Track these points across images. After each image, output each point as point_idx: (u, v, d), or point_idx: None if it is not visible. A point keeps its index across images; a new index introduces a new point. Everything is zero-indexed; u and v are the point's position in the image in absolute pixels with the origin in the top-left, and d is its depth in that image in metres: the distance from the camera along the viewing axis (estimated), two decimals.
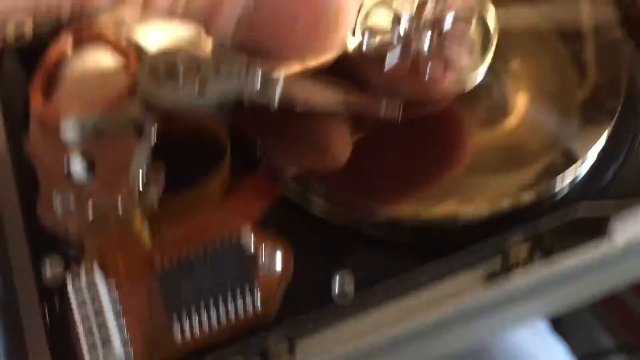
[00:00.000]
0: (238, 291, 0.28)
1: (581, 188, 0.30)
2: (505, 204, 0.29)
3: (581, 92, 0.32)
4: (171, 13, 0.27)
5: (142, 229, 0.28)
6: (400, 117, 0.30)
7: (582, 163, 0.30)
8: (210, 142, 0.31)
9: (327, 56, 0.27)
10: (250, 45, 0.27)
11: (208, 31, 0.27)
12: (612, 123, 0.31)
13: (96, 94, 0.33)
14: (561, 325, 0.49)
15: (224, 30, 0.26)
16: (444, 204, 0.29)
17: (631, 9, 0.35)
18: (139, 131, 0.31)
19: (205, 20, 0.27)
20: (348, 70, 0.31)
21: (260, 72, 0.29)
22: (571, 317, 0.50)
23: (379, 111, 0.30)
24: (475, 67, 0.31)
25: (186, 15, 0.27)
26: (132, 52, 0.33)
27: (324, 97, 0.29)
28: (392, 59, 0.30)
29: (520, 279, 0.28)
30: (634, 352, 0.52)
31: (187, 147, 0.32)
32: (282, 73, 0.30)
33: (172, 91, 0.30)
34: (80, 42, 0.34)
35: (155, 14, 0.27)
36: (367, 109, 0.30)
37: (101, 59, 0.34)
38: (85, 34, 0.34)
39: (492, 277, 0.31)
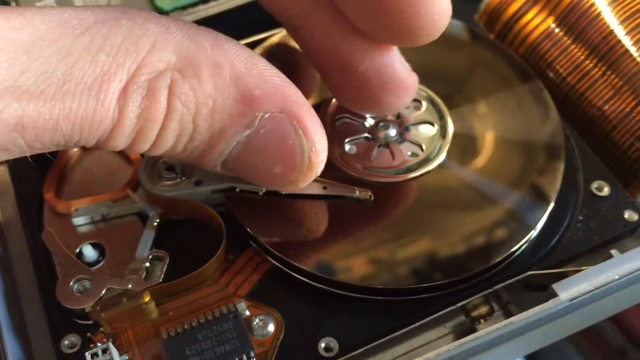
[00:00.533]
0: (236, 356, 0.32)
1: (529, 253, 0.35)
2: (466, 268, 0.34)
3: (528, 171, 0.37)
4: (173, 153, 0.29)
5: (150, 304, 0.32)
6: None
7: (531, 233, 0.35)
8: (208, 227, 0.35)
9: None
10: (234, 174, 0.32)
11: (199, 164, 0.30)
12: (554, 199, 0.36)
13: (104, 187, 0.37)
14: (539, 356, 0.52)
15: (213, 165, 0.30)
16: (413, 270, 0.34)
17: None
18: (143, 219, 0.36)
19: (199, 156, 0.29)
20: None
21: None
22: (551, 351, 0.52)
23: (354, 195, 0.35)
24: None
25: (184, 154, 0.29)
26: None
27: (307, 186, 0.34)
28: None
29: (483, 333, 0.32)
30: None
31: (188, 232, 0.36)
32: None
33: (171, 184, 0.35)
34: None
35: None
36: (343, 193, 0.35)
37: (107, 155, 0.39)
38: None
39: (458, 331, 0.36)
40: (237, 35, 0.30)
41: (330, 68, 0.33)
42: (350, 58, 0.32)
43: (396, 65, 0.32)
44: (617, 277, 0.32)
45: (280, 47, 0.40)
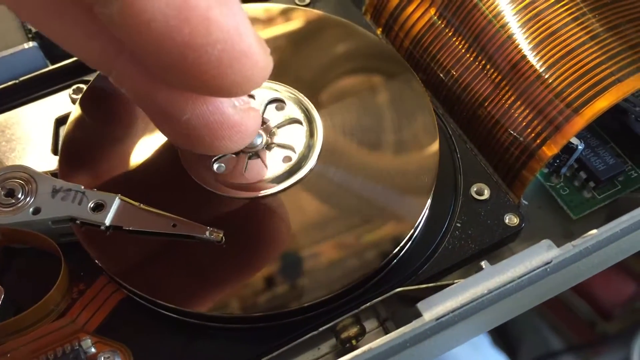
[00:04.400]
0: None
1: (399, 267, 0.32)
2: (333, 287, 0.31)
3: (402, 175, 0.34)
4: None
5: None
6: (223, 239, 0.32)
7: (403, 244, 0.32)
8: (48, 257, 0.32)
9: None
10: None
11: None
12: (428, 205, 0.33)
13: None
14: (509, 331, 0.51)
15: None
16: (273, 295, 0.31)
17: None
18: None
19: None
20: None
21: (93, 199, 0.32)
22: (518, 323, 0.51)
23: (204, 236, 0.32)
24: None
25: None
26: None
27: (154, 223, 0.32)
28: None
29: (352, 356, 0.29)
30: (581, 352, 0.54)
31: (31, 261, 0.33)
32: (115, 201, 0.32)
33: (8, 211, 0.32)
34: None
35: None
36: (193, 234, 0.32)
37: None
38: None
39: (335, 351, 0.34)
40: None
41: (151, 115, 0.29)
42: (169, 108, 0.27)
43: (226, 109, 0.28)
44: (486, 291, 0.29)
45: None
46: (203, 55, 0.24)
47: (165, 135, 0.31)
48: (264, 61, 0.26)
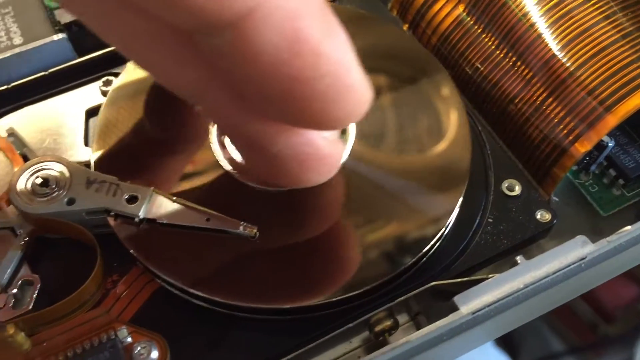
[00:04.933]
0: None
1: (432, 263, 0.33)
2: (368, 281, 0.31)
3: (433, 171, 0.35)
4: None
5: (16, 336, 0.29)
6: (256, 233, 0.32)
7: (436, 240, 0.32)
8: (85, 246, 0.32)
9: None
10: None
11: None
12: (460, 202, 0.33)
13: None
14: (510, 333, 0.51)
15: None
16: (308, 286, 0.31)
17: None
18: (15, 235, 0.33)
19: None
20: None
21: (127, 192, 0.32)
22: (524, 328, 0.52)
23: (237, 231, 0.32)
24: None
25: None
26: (18, 158, 0.35)
27: (187, 216, 0.32)
28: None
29: (390, 348, 0.29)
30: (583, 354, 0.55)
31: (65, 252, 0.33)
32: (150, 193, 0.32)
33: (43, 201, 0.32)
34: None
35: None
36: (227, 228, 0.32)
37: None
38: None
39: (370, 345, 0.34)
40: None
41: (240, 147, 0.29)
42: (261, 140, 0.26)
43: (317, 141, 0.27)
44: (522, 286, 0.30)
45: None
46: (310, 89, 0.23)
47: (250, 166, 0.31)
48: (367, 96, 0.25)
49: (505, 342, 0.54)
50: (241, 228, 0.32)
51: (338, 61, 0.23)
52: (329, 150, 0.27)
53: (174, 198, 0.32)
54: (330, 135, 0.27)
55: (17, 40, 0.40)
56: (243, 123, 0.26)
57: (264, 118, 0.26)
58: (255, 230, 0.32)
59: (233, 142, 0.30)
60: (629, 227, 0.31)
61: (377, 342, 0.33)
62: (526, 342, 0.52)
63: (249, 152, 0.29)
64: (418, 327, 0.34)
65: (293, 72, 0.22)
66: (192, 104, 0.28)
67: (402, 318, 0.34)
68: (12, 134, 0.36)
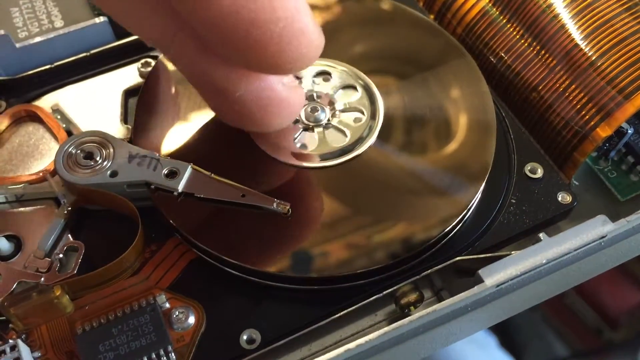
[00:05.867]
0: (153, 351, 0.30)
1: (461, 237, 0.34)
2: (393, 255, 0.33)
3: (459, 153, 0.36)
4: None
5: (62, 298, 0.31)
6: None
7: (461, 217, 0.34)
8: (127, 218, 0.34)
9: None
10: None
11: None
12: (485, 181, 0.35)
13: (25, 166, 0.36)
14: (515, 337, 0.52)
15: None
16: (339, 258, 0.32)
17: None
18: (58, 205, 0.34)
19: None
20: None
21: (167, 166, 0.34)
22: (524, 328, 0.52)
23: (271, 207, 0.33)
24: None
25: None
26: (62, 132, 0.37)
27: (224, 192, 0.33)
28: None
29: (415, 318, 0.31)
30: (587, 359, 0.55)
31: (108, 223, 0.35)
32: (188, 169, 0.34)
33: (87, 173, 0.34)
34: (17, 120, 0.38)
35: None
36: (261, 204, 0.33)
37: (34, 136, 0.37)
38: (23, 112, 0.38)
39: (392, 319, 0.35)
40: None
41: (205, 92, 0.31)
42: (225, 85, 0.29)
43: (276, 86, 0.30)
44: (544, 261, 0.31)
45: None
46: (266, 32, 0.25)
47: (215, 112, 0.33)
48: (319, 39, 0.27)
49: (510, 346, 0.54)
50: (275, 205, 0.33)
51: (291, 6, 0.26)
52: (287, 94, 0.30)
53: (211, 174, 0.34)
54: (289, 81, 0.30)
55: (58, 23, 0.42)
56: (207, 69, 0.29)
57: (227, 64, 0.29)
58: (288, 207, 0.33)
59: (199, 89, 0.32)
60: None
61: (402, 314, 0.34)
62: (531, 346, 0.53)
63: (215, 98, 0.31)
64: (440, 301, 0.35)
65: (250, 16, 0.25)
66: (163, 52, 0.31)
67: (426, 294, 0.36)
68: (56, 109, 0.38)
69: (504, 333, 0.50)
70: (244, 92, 0.29)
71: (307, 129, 0.37)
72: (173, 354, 0.31)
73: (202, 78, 0.30)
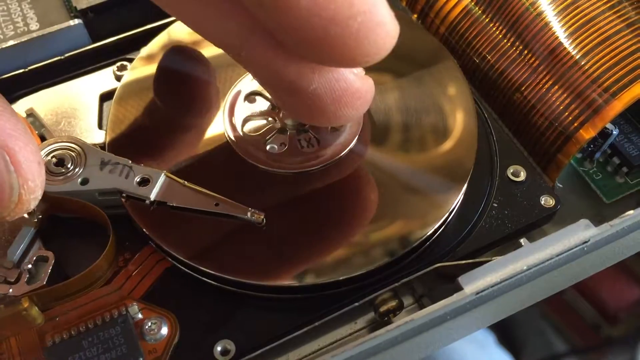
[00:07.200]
0: None
1: (442, 243, 0.33)
2: (374, 262, 0.32)
3: (440, 156, 0.35)
4: None
5: (30, 310, 0.30)
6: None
7: (441, 222, 0.33)
8: (97, 226, 0.33)
9: None
10: None
11: None
12: (466, 185, 0.34)
13: None
14: (514, 333, 0.52)
15: None
16: (315, 266, 0.32)
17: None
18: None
19: None
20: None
21: (139, 174, 0.33)
22: (523, 325, 0.52)
23: (245, 217, 0.32)
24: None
25: None
26: (36, 138, 0.36)
27: (197, 201, 0.33)
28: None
29: (395, 326, 0.30)
30: (586, 355, 0.55)
31: (77, 230, 0.34)
32: (161, 177, 0.33)
33: (58, 180, 0.33)
34: None
35: None
36: (235, 214, 0.33)
37: None
38: None
39: (374, 326, 0.34)
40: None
41: (278, 90, 0.30)
42: (298, 81, 0.28)
43: (348, 76, 0.29)
44: (525, 267, 0.30)
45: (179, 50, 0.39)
46: (345, 28, 0.25)
47: (287, 110, 0.33)
48: (395, 30, 0.26)
49: (508, 343, 0.54)
50: (249, 214, 0.32)
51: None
52: (360, 84, 0.29)
53: (185, 182, 0.33)
54: (359, 71, 0.29)
55: (34, 26, 0.41)
56: (281, 68, 0.28)
57: (300, 60, 0.28)
58: (262, 217, 0.32)
59: (272, 90, 0.31)
60: (631, 212, 0.31)
61: (382, 322, 0.33)
62: (529, 342, 0.53)
63: (288, 97, 0.30)
64: (422, 309, 0.34)
65: (329, 14, 0.24)
66: (232, 55, 0.30)
67: (407, 300, 0.35)
68: (31, 114, 0.37)
69: (503, 330, 0.50)
70: (317, 85, 0.29)
71: (282, 131, 0.36)
72: None
73: (274, 77, 0.30)
